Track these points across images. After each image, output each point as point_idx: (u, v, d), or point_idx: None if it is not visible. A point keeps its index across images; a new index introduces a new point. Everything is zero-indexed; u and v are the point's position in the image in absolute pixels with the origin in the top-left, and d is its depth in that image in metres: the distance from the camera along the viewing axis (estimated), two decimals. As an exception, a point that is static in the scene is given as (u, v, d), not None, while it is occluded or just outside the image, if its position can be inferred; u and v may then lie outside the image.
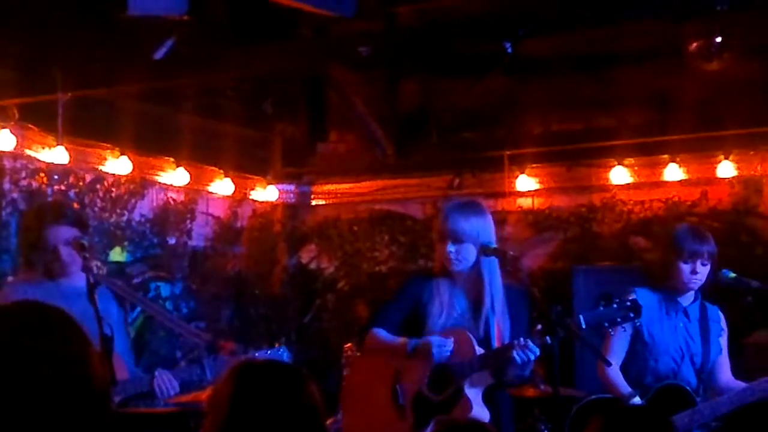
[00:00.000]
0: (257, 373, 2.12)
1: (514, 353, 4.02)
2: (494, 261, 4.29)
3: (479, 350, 4.21)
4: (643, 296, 4.64)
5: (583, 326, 4.14)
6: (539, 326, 4.10)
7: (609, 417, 2.55)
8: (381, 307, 4.58)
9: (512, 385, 4.43)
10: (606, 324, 4.19)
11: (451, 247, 4.26)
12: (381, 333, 4.38)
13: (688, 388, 4.61)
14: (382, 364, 4.36)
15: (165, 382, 4.15)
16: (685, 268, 4.62)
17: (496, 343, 4.25)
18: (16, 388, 1.75)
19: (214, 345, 4.23)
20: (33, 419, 1.74)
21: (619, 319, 4.16)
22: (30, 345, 1.79)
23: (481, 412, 4.18)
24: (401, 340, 4.30)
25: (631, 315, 4.18)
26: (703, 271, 4.62)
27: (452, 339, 4.19)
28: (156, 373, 4.18)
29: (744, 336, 5.86)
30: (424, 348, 4.20)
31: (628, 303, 4.16)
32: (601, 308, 4.17)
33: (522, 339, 4.04)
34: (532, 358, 4.05)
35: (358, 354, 4.77)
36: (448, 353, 4.19)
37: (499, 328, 4.28)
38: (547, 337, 4.06)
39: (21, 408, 1.73)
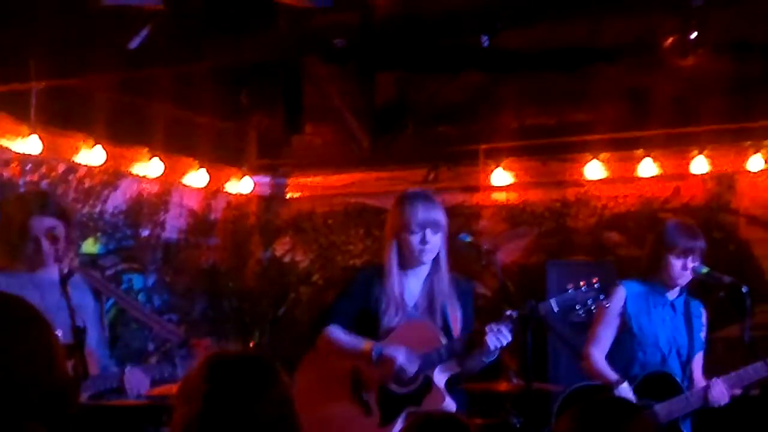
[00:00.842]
0: (229, 364, 2.10)
1: (488, 338, 4.01)
2: (444, 252, 4.29)
3: (444, 339, 4.19)
4: (631, 287, 4.69)
5: (555, 310, 4.16)
6: (509, 312, 4.09)
7: (583, 408, 2.56)
8: (330, 306, 4.48)
9: (471, 373, 4.41)
10: (577, 306, 4.20)
11: (428, 237, 4.22)
12: (338, 333, 4.30)
13: (675, 376, 4.66)
14: (339, 363, 4.29)
15: (135, 378, 4.11)
16: (676, 263, 4.68)
17: (454, 332, 4.24)
18: None
19: (186, 341, 4.20)
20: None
21: (589, 301, 4.18)
22: None
23: (449, 402, 4.17)
24: (364, 345, 4.21)
25: (601, 297, 4.20)
26: (691, 265, 4.67)
27: (416, 356, 4.14)
28: (126, 369, 4.15)
29: (716, 331, 5.90)
30: (389, 360, 4.13)
31: (597, 285, 4.18)
32: (570, 291, 4.18)
33: (494, 324, 4.04)
34: (504, 344, 4.04)
35: (310, 355, 4.55)
36: (414, 369, 4.14)
37: (454, 318, 4.27)
38: (514, 312, 4.04)
39: None
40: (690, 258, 4.66)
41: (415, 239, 4.25)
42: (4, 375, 1.75)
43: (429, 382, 4.17)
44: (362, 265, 4.73)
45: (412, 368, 4.13)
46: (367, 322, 4.29)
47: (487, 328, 4.05)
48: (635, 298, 4.74)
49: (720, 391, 4.57)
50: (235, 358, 2.16)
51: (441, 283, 4.29)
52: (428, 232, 4.23)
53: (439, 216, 4.29)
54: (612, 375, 4.69)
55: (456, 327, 4.26)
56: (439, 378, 4.19)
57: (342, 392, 4.26)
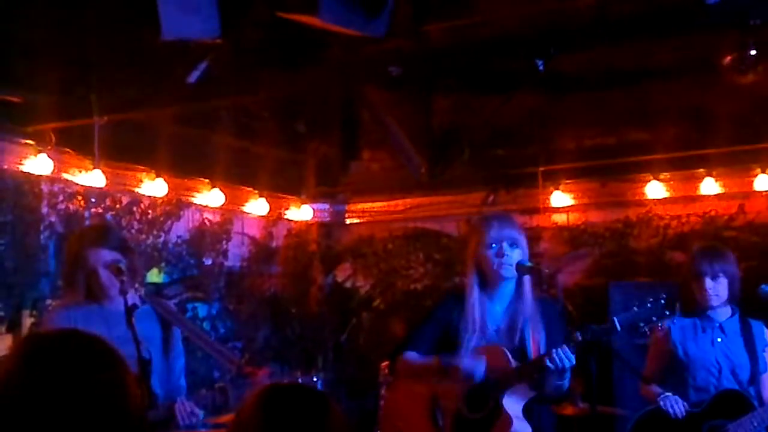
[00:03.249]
0: (282, 396, 2.10)
1: (547, 360, 3.99)
2: (527, 275, 4.27)
3: (514, 363, 4.17)
4: (678, 320, 4.67)
5: (618, 329, 4.10)
6: (576, 334, 4.06)
7: None
8: (413, 329, 4.51)
9: (552, 399, 4.37)
10: (642, 324, 4.15)
11: (505, 250, 4.22)
12: (412, 355, 4.34)
13: (744, 393, 4.62)
14: (419, 388, 4.31)
15: (186, 410, 4.14)
16: (699, 286, 4.66)
17: (532, 355, 4.20)
18: (55, 415, 1.78)
19: (241, 369, 4.21)
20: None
21: (654, 318, 4.11)
22: (68, 373, 1.82)
23: (522, 426, 4.12)
24: (433, 358, 4.26)
25: (667, 313, 4.14)
26: (715, 286, 4.67)
27: (483, 357, 4.16)
28: (177, 401, 4.18)
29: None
30: (454, 367, 4.17)
31: (662, 300, 4.14)
32: (635, 309, 4.14)
33: (558, 348, 4.01)
34: (567, 365, 4.00)
35: (392, 378, 4.69)
36: (482, 371, 4.14)
37: (535, 341, 4.23)
38: (578, 334, 4.01)
39: None
40: (707, 278, 4.69)
41: (491, 253, 4.22)
42: (86, 413, 1.79)
43: (498, 407, 4.15)
44: (447, 291, 4.73)
45: (478, 370, 4.12)
46: (448, 346, 4.28)
47: (548, 351, 4.03)
48: (681, 326, 4.78)
49: None
50: (288, 390, 2.17)
51: (524, 305, 4.25)
52: (505, 245, 4.21)
53: (515, 231, 4.28)
54: (657, 389, 4.77)
55: (534, 349, 4.22)
56: (513, 404, 4.15)
57: (422, 419, 4.28)
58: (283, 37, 5.03)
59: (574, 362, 4.01)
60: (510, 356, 4.16)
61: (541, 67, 5.22)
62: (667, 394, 4.70)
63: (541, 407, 4.26)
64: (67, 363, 1.84)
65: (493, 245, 4.21)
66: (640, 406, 4.96)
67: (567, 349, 3.99)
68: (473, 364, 4.14)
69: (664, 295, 4.15)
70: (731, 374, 4.70)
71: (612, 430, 6.44)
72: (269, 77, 6.17)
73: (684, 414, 4.61)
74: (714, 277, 4.70)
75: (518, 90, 6.90)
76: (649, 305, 4.13)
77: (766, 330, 4.84)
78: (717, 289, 4.70)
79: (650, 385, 4.79)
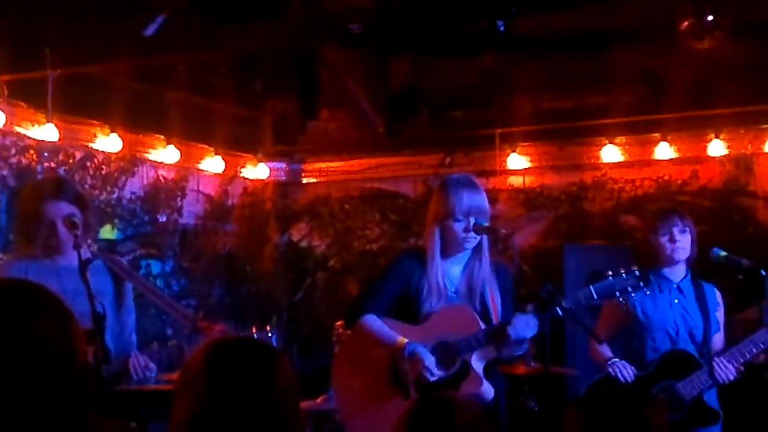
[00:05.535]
0: (229, 350, 2.09)
1: (509, 329, 4.01)
2: (485, 237, 4.28)
3: (482, 324, 4.17)
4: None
5: (595, 297, 4.16)
6: (530, 306, 4.09)
7: (594, 399, 2.56)
8: (370, 287, 4.46)
9: (506, 361, 4.42)
10: (617, 293, 4.20)
11: (470, 224, 4.21)
12: (373, 322, 4.28)
13: (690, 352, 4.69)
14: (375, 348, 4.28)
15: (140, 363, 4.11)
16: (664, 240, 4.72)
17: (494, 317, 4.21)
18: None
19: (195, 325, 4.17)
20: (12, 397, 1.76)
21: (629, 288, 4.16)
22: (10, 324, 1.80)
23: (487, 387, 4.17)
24: (398, 341, 4.19)
25: (641, 284, 4.20)
26: (684, 239, 4.75)
27: (443, 372, 4.14)
28: (132, 354, 4.14)
29: (734, 314, 5.90)
30: (418, 361, 4.12)
31: (637, 272, 4.19)
32: (611, 278, 4.17)
33: (519, 315, 4.03)
34: (530, 335, 4.04)
35: (348, 334, 4.63)
36: (432, 380, 4.16)
37: (495, 304, 4.26)
38: (563, 302, 4.04)
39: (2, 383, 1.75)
40: (675, 230, 4.76)
41: (459, 227, 4.20)
42: (27, 362, 1.77)
43: (467, 367, 4.16)
44: (405, 250, 4.65)
45: (433, 376, 4.13)
46: (407, 307, 4.27)
47: (513, 319, 4.04)
48: None
49: (724, 368, 4.59)
50: (235, 344, 2.16)
51: (481, 269, 4.25)
52: (472, 220, 4.20)
53: (484, 203, 4.25)
54: (607, 353, 4.80)
55: (496, 311, 4.24)
56: (477, 364, 4.17)
57: (381, 376, 4.26)
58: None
59: (536, 332, 4.04)
60: (478, 317, 4.18)
61: (501, 28, 5.22)
62: (614, 360, 4.74)
63: (495, 368, 4.29)
64: (9, 309, 1.82)
65: (461, 219, 4.20)
66: (591, 365, 5.02)
67: (531, 317, 4.01)
68: (433, 367, 4.12)
69: (637, 269, 4.21)
70: (688, 336, 4.77)
71: (563, 390, 6.53)
72: (227, 32, 6.11)
73: (633, 379, 4.67)
74: (682, 231, 4.77)
75: (479, 53, 6.90)
76: (624, 276, 4.17)
77: (716, 292, 4.92)
78: (684, 243, 4.77)
79: (601, 344, 4.82)
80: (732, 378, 4.60)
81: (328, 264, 9.08)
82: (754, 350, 4.63)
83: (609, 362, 4.74)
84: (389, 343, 4.20)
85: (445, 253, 4.29)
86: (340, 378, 4.47)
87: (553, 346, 4.22)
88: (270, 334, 4.29)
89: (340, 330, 5.89)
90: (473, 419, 2.62)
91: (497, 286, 4.30)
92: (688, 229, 4.80)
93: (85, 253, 4.05)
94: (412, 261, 4.34)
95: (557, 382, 6.35)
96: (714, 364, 4.60)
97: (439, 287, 4.23)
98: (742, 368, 4.62)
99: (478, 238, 4.22)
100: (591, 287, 4.15)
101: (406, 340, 4.17)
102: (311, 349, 8.27)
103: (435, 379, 4.13)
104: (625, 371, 4.71)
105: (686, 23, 6.02)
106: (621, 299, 4.30)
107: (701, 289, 4.85)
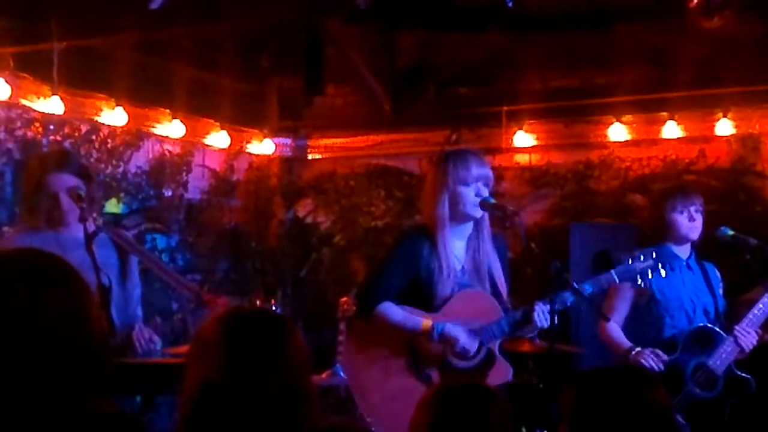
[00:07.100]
0: (244, 319, 2.08)
1: (536, 316, 4.00)
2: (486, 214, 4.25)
3: (502, 311, 4.12)
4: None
5: (617, 281, 4.18)
6: (584, 286, 4.11)
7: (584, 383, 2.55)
8: (379, 274, 4.30)
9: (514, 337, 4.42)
10: (638, 276, 4.20)
11: (482, 191, 4.13)
12: (392, 309, 4.16)
13: (710, 326, 4.66)
14: (390, 335, 4.16)
15: (144, 336, 4.10)
16: (682, 218, 4.68)
17: (503, 294, 4.21)
18: (13, 336, 1.74)
19: (200, 298, 4.15)
20: (29, 368, 1.74)
21: (649, 271, 4.20)
22: (28, 293, 1.78)
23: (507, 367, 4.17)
24: (423, 323, 4.09)
25: (659, 266, 4.21)
26: (699, 219, 4.70)
27: (478, 341, 4.10)
28: (136, 327, 4.14)
29: (741, 293, 5.88)
30: (452, 340, 4.06)
31: (654, 255, 4.18)
32: (631, 261, 4.17)
33: (542, 303, 4.00)
34: (546, 326, 4.02)
35: (353, 310, 4.52)
36: (473, 353, 4.11)
37: (500, 279, 4.24)
38: (586, 286, 4.09)
39: (17, 357, 1.73)
40: (692, 208, 4.71)
41: (470, 193, 4.13)
42: (43, 333, 1.75)
43: (492, 355, 4.13)
44: (406, 232, 4.52)
45: (473, 347, 4.09)
46: (420, 291, 4.17)
47: (536, 307, 4.01)
48: None
49: (746, 334, 4.58)
50: (250, 314, 2.15)
51: (485, 244, 4.21)
52: (481, 185, 4.17)
53: (490, 172, 4.24)
54: (625, 343, 4.67)
55: (503, 288, 4.22)
56: (495, 345, 4.15)
57: (399, 365, 4.15)
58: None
59: (548, 325, 4.03)
60: (497, 303, 4.15)
61: (510, 4, 5.18)
62: (638, 349, 4.58)
63: (502, 347, 4.27)
64: (24, 278, 1.80)
65: (471, 183, 4.15)
66: (597, 344, 4.98)
67: (547, 308, 3.99)
68: (470, 341, 4.08)
69: (653, 251, 4.20)
70: (703, 312, 4.75)
71: (569, 368, 6.52)
72: (233, 7, 6.08)
73: (664, 367, 4.57)
74: (698, 211, 4.73)
75: (485, 28, 6.86)
76: (642, 259, 4.16)
77: (717, 272, 4.91)
78: (699, 221, 4.73)
79: (611, 328, 4.73)
80: (755, 343, 4.58)
81: (333, 240, 9.07)
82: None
83: (633, 352, 4.60)
84: (413, 327, 4.10)
85: (449, 226, 4.24)
86: (352, 368, 4.36)
87: (559, 324, 4.20)
88: (274, 308, 4.28)
89: (345, 306, 5.88)
90: (506, 416, 2.57)
91: (498, 258, 4.29)
92: (702, 208, 4.77)
93: (91, 226, 4.04)
94: (418, 242, 4.22)
95: (563, 360, 6.34)
96: (736, 332, 4.58)
97: (448, 267, 4.16)
98: (760, 331, 4.61)
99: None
100: (612, 272, 4.16)
101: (431, 322, 4.09)
102: (316, 324, 8.26)
103: (471, 362, 4.10)
104: (655, 360, 4.55)
105: (695, 1, 5.98)
106: (642, 283, 4.28)
107: (704, 267, 4.84)
